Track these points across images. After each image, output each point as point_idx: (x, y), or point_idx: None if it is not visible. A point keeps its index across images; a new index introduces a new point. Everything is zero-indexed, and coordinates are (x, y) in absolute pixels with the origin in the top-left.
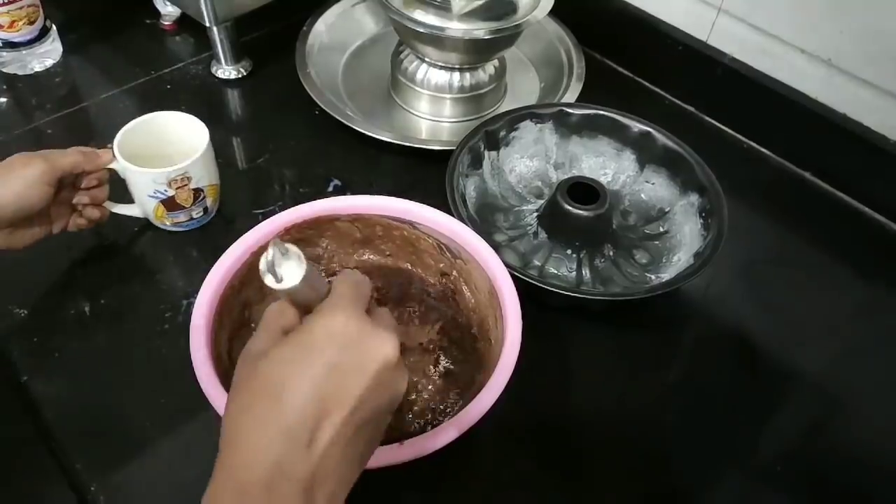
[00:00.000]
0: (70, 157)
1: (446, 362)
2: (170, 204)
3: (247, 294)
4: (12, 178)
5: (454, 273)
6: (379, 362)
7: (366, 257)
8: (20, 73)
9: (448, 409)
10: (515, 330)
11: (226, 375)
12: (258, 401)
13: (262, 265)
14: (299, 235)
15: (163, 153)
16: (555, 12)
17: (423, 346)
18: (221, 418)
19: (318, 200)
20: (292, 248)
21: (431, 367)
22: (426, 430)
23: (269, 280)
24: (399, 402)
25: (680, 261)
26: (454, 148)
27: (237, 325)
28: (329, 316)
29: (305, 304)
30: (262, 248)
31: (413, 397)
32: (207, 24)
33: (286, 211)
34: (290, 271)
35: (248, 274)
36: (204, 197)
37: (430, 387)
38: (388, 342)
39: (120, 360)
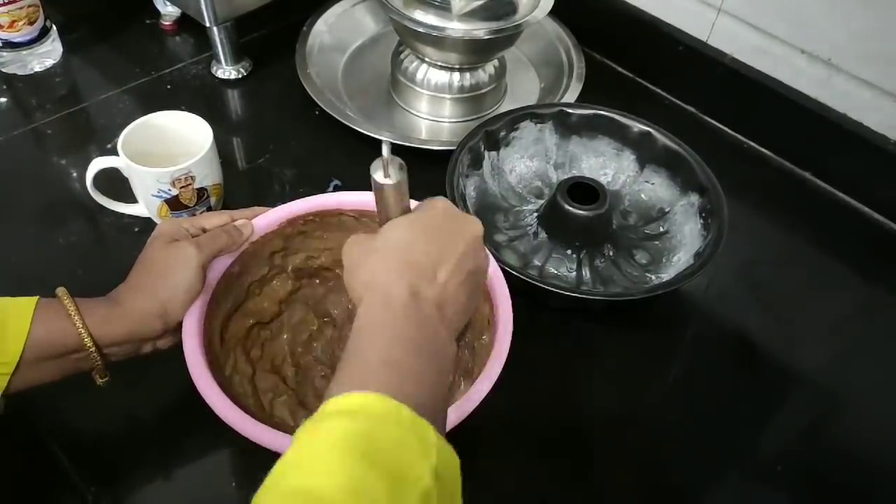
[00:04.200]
0: (220, 242)
1: None
2: (174, 203)
3: (245, 280)
4: (177, 271)
5: None
6: (473, 233)
7: None
8: (20, 73)
9: None
10: (506, 332)
11: (215, 360)
12: (390, 253)
13: (375, 164)
14: (303, 228)
15: (167, 153)
16: (555, 12)
17: None
18: (348, 281)
19: (322, 195)
20: (396, 157)
21: None
22: None
23: (378, 175)
24: (485, 272)
25: (680, 261)
26: (454, 148)
27: (232, 310)
28: (433, 200)
29: (391, 210)
30: (261, 239)
31: None
32: (207, 24)
33: (289, 203)
34: (393, 172)
35: (248, 262)
36: (208, 196)
37: None
38: (477, 222)
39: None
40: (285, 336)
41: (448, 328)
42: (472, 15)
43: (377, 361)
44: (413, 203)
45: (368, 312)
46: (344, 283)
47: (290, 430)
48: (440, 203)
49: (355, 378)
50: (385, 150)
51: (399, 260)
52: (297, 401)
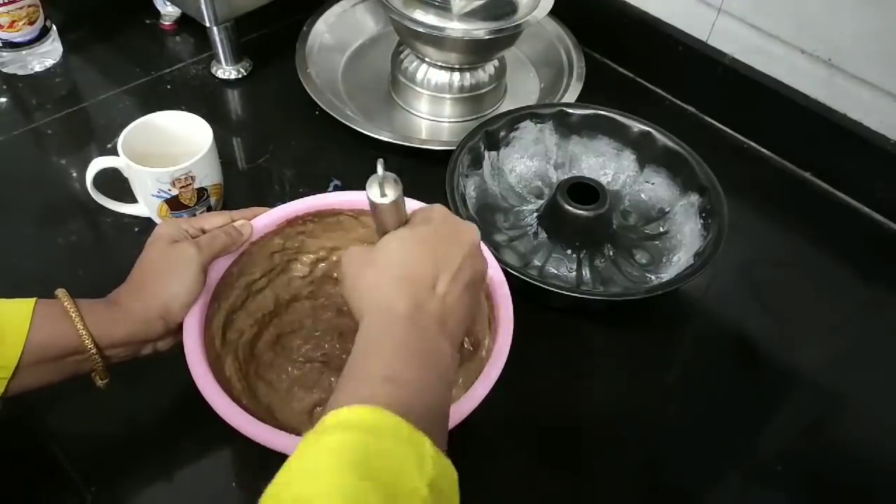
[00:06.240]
0: (220, 243)
1: None
2: (174, 203)
3: (245, 280)
4: (178, 272)
5: None
6: (470, 240)
7: None
8: (20, 73)
9: None
10: (507, 332)
11: (216, 360)
12: (389, 268)
13: (370, 182)
14: (303, 228)
15: (167, 153)
16: (555, 12)
17: None
18: (348, 296)
19: (321, 194)
20: (391, 173)
21: None
22: None
23: (374, 193)
24: (483, 278)
25: (680, 261)
26: (454, 148)
27: (233, 311)
28: (428, 208)
29: (388, 225)
30: (261, 239)
31: None
32: (207, 24)
33: (289, 203)
34: (389, 190)
35: (248, 262)
36: (207, 196)
37: None
38: (474, 228)
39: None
40: (286, 335)
41: (449, 339)
42: (472, 15)
43: (379, 376)
44: (411, 202)
45: (371, 328)
46: (343, 292)
47: (290, 429)
48: (437, 212)
49: (357, 391)
50: (379, 168)
51: (398, 275)
52: (298, 400)
